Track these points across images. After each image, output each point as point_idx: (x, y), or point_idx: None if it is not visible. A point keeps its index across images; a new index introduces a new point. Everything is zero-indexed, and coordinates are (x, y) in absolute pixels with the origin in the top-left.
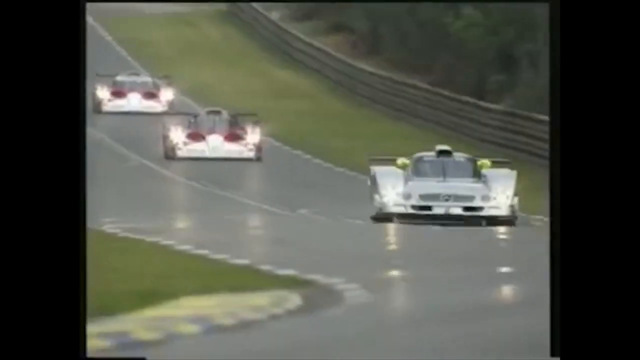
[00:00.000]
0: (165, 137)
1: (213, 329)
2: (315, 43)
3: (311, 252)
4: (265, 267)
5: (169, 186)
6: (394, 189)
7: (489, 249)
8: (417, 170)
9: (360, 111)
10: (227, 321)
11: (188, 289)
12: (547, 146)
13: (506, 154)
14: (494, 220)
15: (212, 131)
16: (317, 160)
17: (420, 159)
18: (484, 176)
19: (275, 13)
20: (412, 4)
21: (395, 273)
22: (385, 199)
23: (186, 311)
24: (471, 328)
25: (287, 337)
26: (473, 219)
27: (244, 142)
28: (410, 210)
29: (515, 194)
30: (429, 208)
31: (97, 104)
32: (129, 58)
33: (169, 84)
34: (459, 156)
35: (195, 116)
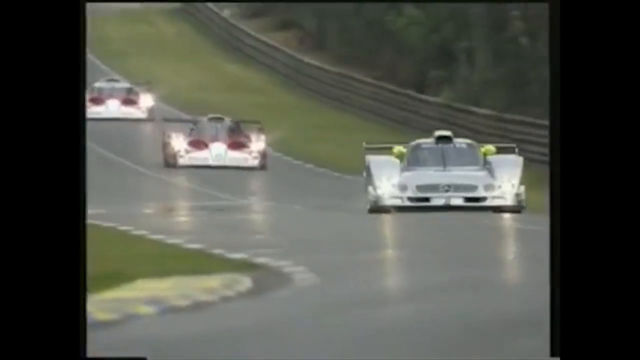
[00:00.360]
0: (166, 145)
1: (168, 310)
2: (265, 39)
3: (255, 236)
4: (217, 252)
5: (120, 174)
6: (389, 180)
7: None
8: (414, 159)
9: (307, 103)
10: (181, 302)
11: (145, 272)
12: (479, 136)
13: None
14: (499, 210)
15: (214, 139)
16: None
17: (417, 146)
18: (488, 163)
19: (226, 11)
20: (357, 3)
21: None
22: (379, 191)
23: (143, 293)
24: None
25: (237, 317)
26: (476, 210)
27: (247, 149)
28: (407, 203)
29: (522, 182)
30: (427, 200)
31: None
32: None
33: (149, 90)
34: (460, 142)
35: (196, 123)
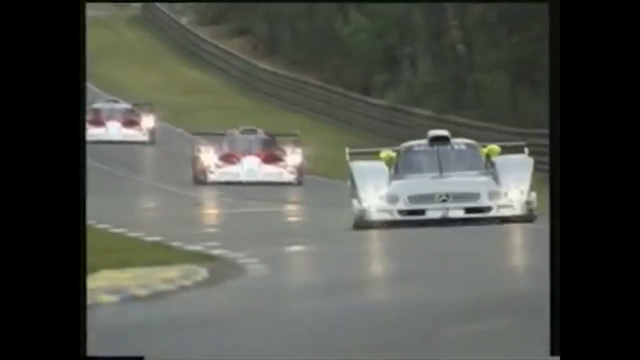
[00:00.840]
0: (195, 159)
1: (129, 299)
2: (221, 45)
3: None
4: (175, 244)
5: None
6: (376, 191)
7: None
8: (405, 164)
9: (261, 106)
10: (141, 292)
11: (107, 263)
12: (423, 136)
13: (389, 144)
14: (506, 220)
15: (247, 152)
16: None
17: (409, 149)
18: (492, 166)
19: (184, 18)
20: (308, 10)
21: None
22: (365, 204)
23: (105, 283)
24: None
25: (194, 305)
26: (479, 222)
27: (282, 163)
28: (398, 217)
29: (533, 188)
30: (421, 212)
31: None
32: None
33: (151, 111)
34: (459, 143)
35: (224, 134)
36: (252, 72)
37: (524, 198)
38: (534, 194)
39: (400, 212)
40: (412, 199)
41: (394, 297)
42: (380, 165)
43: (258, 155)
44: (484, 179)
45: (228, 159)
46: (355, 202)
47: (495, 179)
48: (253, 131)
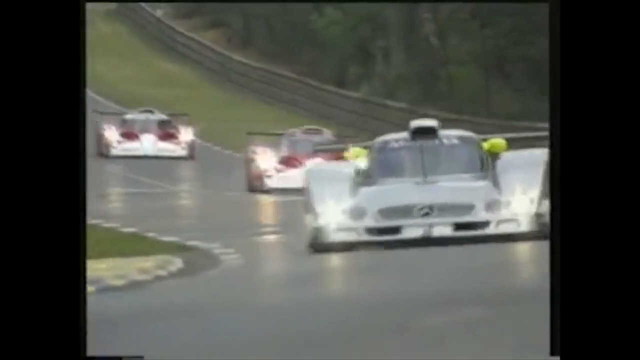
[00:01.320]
0: (250, 162)
1: (106, 289)
2: (196, 37)
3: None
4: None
5: None
6: (337, 203)
7: None
8: (379, 165)
9: (236, 97)
10: (118, 282)
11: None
12: (396, 128)
13: (364, 137)
14: (509, 239)
15: (311, 155)
16: (196, 140)
17: (384, 146)
18: (493, 167)
19: (159, 11)
20: (282, 4)
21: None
22: (322, 221)
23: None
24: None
25: (169, 295)
26: (472, 242)
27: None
28: (365, 237)
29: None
30: (396, 230)
31: (105, 147)
32: None
33: (189, 123)
34: (450, 136)
35: (283, 135)
36: (226, 64)
37: (534, 209)
38: (546, 203)
39: (368, 230)
40: (384, 212)
41: (360, 290)
42: (345, 169)
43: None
44: (480, 184)
45: (289, 162)
46: (309, 217)
47: (496, 183)
48: (318, 131)
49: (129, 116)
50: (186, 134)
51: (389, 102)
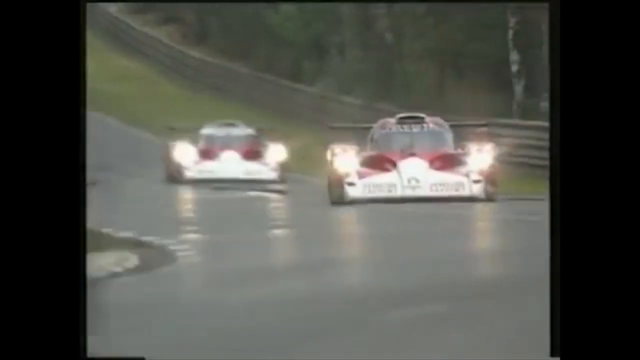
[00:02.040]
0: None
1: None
2: (150, 33)
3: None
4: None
5: None
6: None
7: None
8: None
9: (190, 93)
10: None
11: None
12: (350, 122)
13: (319, 133)
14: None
15: (409, 153)
16: (148, 136)
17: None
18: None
19: (113, 7)
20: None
21: None
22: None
23: None
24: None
25: (125, 292)
26: None
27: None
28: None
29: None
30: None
31: (177, 169)
32: None
33: (279, 139)
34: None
35: (371, 128)
36: (182, 60)
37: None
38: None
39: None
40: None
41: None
42: None
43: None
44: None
45: (378, 164)
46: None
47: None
48: (419, 120)
49: (206, 131)
50: (275, 152)
51: (345, 98)
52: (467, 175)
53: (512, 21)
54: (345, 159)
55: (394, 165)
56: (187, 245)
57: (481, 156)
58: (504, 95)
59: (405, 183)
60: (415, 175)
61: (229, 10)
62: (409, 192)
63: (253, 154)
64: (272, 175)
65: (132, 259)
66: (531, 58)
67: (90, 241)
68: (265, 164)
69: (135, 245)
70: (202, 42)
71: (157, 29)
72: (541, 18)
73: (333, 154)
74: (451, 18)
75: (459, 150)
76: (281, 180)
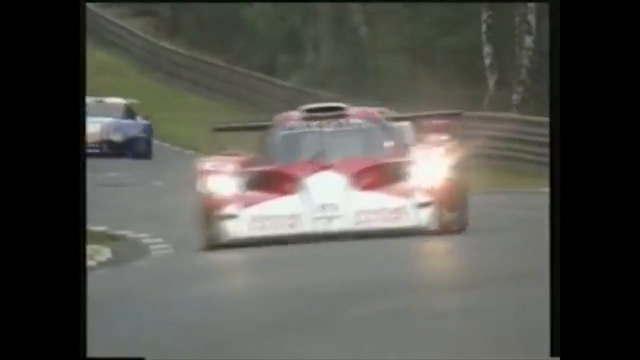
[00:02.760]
0: None
1: None
2: (123, 25)
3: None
4: None
5: None
6: None
7: None
8: None
9: (164, 86)
10: None
11: None
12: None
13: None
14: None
15: None
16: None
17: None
18: None
19: None
20: None
21: None
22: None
23: None
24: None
25: (97, 285)
26: None
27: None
28: None
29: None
30: None
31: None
32: None
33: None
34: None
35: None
36: (156, 53)
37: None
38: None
39: None
40: None
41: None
42: None
43: None
44: None
45: (273, 184)
46: None
47: None
48: (337, 111)
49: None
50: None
51: (319, 91)
52: (410, 195)
53: (485, 15)
54: (220, 178)
55: (298, 184)
56: None
57: (432, 164)
58: (477, 89)
59: (316, 212)
60: (330, 199)
61: (203, 4)
62: (321, 226)
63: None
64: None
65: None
66: (504, 51)
67: None
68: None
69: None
70: (175, 35)
71: (130, 21)
72: (514, 12)
73: (202, 172)
74: (425, 12)
75: (399, 159)
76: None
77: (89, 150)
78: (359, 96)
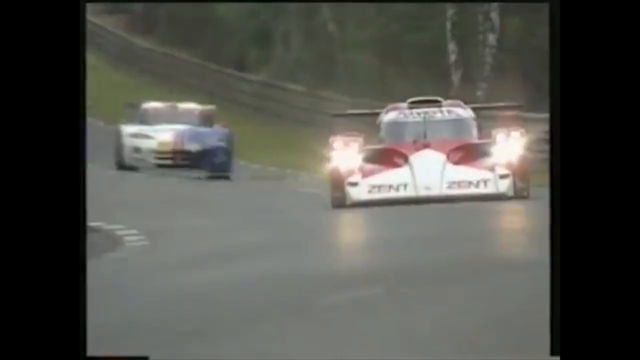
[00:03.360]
0: None
1: None
2: (96, 21)
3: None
4: None
5: None
6: None
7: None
8: None
9: (137, 81)
10: None
11: None
12: (292, 111)
13: (262, 119)
14: None
15: None
16: (99, 124)
17: None
18: None
19: None
20: None
21: None
22: None
23: None
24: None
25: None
26: None
27: None
28: None
29: None
30: None
31: (336, 185)
32: None
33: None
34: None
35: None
36: (129, 48)
37: None
38: None
39: None
40: None
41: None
42: None
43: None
44: None
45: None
46: None
47: None
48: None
49: (390, 115)
50: (508, 145)
51: (289, 86)
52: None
53: (450, 12)
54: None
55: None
56: None
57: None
58: (443, 84)
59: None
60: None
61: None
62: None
63: (470, 151)
64: (500, 187)
65: None
66: (468, 48)
67: None
68: (489, 167)
69: None
70: (148, 31)
71: (101, 18)
72: (478, 9)
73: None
74: (392, 8)
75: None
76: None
77: (159, 162)
78: (329, 90)
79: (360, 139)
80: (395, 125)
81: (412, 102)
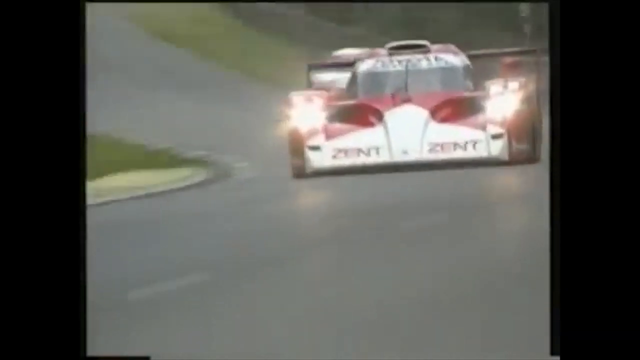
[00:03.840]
0: None
1: (145, 196)
2: None
3: None
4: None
5: None
6: None
7: None
8: None
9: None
10: (155, 190)
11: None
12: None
13: None
14: None
15: None
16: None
17: None
18: None
19: None
20: None
21: None
22: None
23: (124, 183)
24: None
25: (193, 202)
26: None
27: None
28: None
29: None
30: None
31: (295, 149)
32: None
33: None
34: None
35: None
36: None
37: None
38: None
39: None
40: None
41: None
42: None
43: None
44: None
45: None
46: None
47: None
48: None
49: (365, 64)
50: (504, 98)
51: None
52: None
53: None
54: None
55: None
56: None
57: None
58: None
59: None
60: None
61: None
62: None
63: (457, 107)
64: (493, 151)
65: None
66: None
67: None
68: (480, 125)
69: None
70: None
71: None
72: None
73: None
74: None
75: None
76: (529, 159)
77: None
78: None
79: (326, 94)
80: (372, 76)
81: (393, 48)
